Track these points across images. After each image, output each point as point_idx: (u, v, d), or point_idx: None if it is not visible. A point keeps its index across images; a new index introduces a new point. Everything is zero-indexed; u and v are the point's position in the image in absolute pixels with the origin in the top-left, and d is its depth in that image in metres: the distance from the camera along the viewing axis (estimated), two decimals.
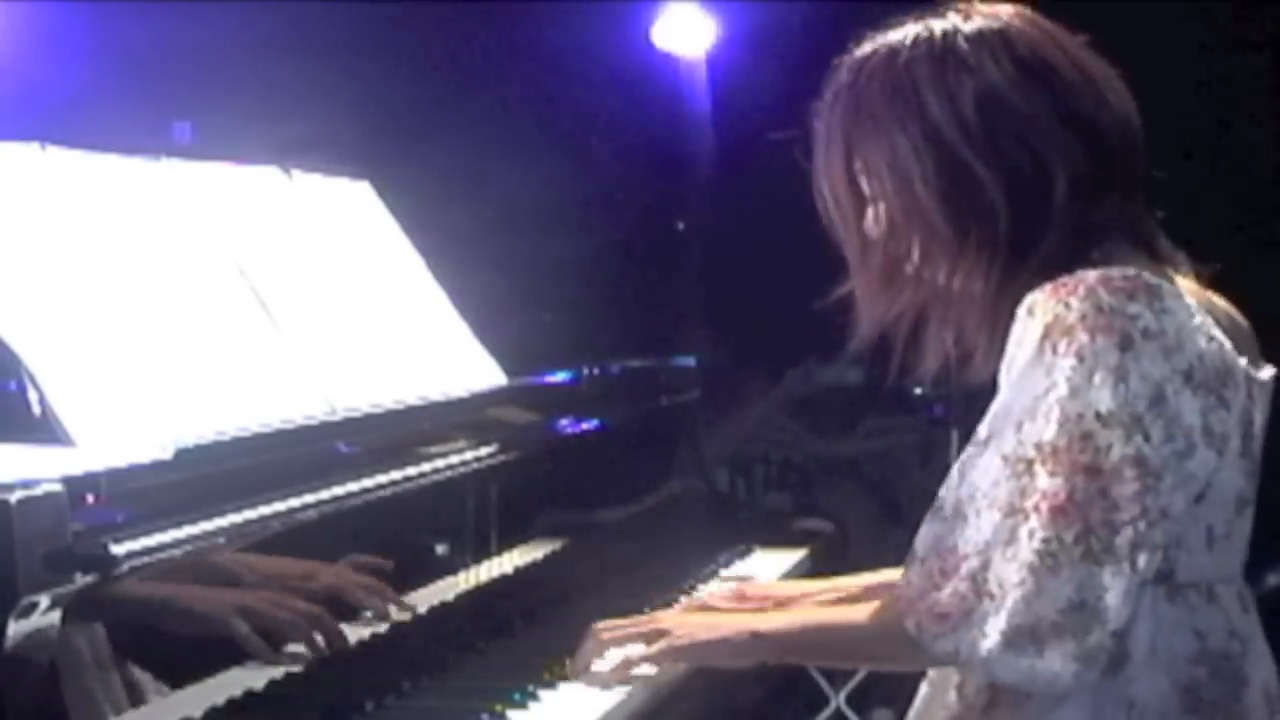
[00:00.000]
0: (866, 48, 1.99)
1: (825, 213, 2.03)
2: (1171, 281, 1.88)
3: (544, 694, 2.15)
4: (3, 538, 1.64)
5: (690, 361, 3.63)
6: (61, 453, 1.86)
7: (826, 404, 4.74)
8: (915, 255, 1.96)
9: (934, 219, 1.92)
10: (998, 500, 1.82)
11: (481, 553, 2.57)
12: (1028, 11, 1.97)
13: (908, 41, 1.94)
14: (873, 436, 4.70)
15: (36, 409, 1.92)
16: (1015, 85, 1.90)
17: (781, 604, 2.43)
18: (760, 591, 2.49)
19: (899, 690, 2.10)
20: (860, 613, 2.03)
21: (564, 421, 2.94)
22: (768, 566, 3.12)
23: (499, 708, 2.09)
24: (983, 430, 1.87)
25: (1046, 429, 1.80)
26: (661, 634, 2.13)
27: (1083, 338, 1.78)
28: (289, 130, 3.13)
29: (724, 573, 3.05)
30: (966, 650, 1.82)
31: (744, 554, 3.18)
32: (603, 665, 2.18)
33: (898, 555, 2.38)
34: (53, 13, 3.54)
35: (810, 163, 2.03)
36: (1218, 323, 1.88)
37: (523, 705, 2.12)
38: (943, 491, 1.89)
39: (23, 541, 1.66)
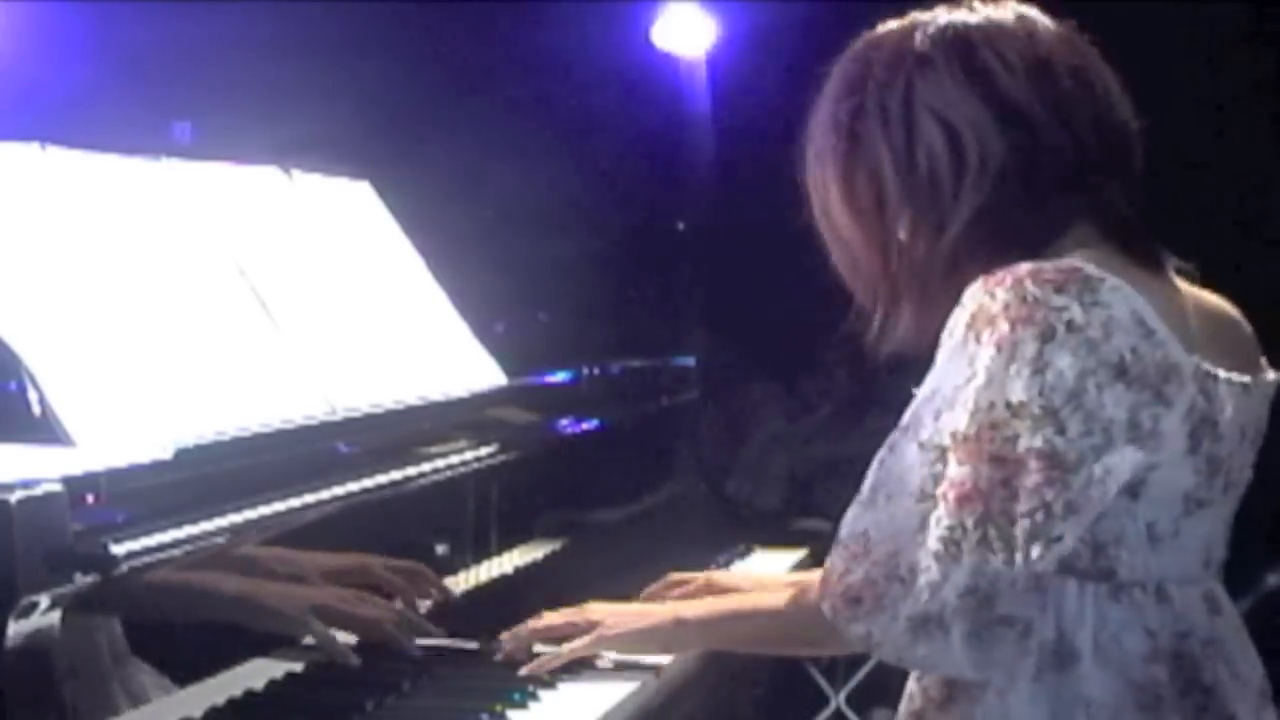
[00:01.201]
0: (863, 43, 1.98)
1: (821, 213, 2.02)
2: (1121, 276, 1.84)
3: (544, 694, 2.15)
4: (3, 538, 1.65)
5: (690, 361, 3.63)
6: (61, 453, 1.86)
7: (826, 404, 4.74)
8: (904, 241, 1.94)
9: (928, 216, 1.90)
10: (910, 487, 1.84)
11: (481, 553, 2.57)
12: (1026, 7, 1.97)
13: (913, 34, 1.93)
14: (873, 436, 4.69)
15: (36, 409, 1.92)
16: (1014, 77, 1.89)
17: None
18: (730, 580, 2.51)
19: (899, 690, 2.09)
20: (782, 597, 2.07)
21: (564, 421, 2.94)
22: (768, 566, 3.12)
23: (499, 708, 2.09)
24: (905, 417, 1.88)
25: (961, 418, 1.81)
26: (593, 624, 2.20)
27: (1004, 328, 1.78)
28: (289, 130, 3.13)
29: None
30: (878, 634, 1.84)
31: (744, 554, 3.18)
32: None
33: None
34: (53, 13, 3.54)
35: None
36: (1184, 320, 1.86)
37: (523, 705, 2.12)
38: (867, 476, 1.90)
39: (23, 541, 1.66)
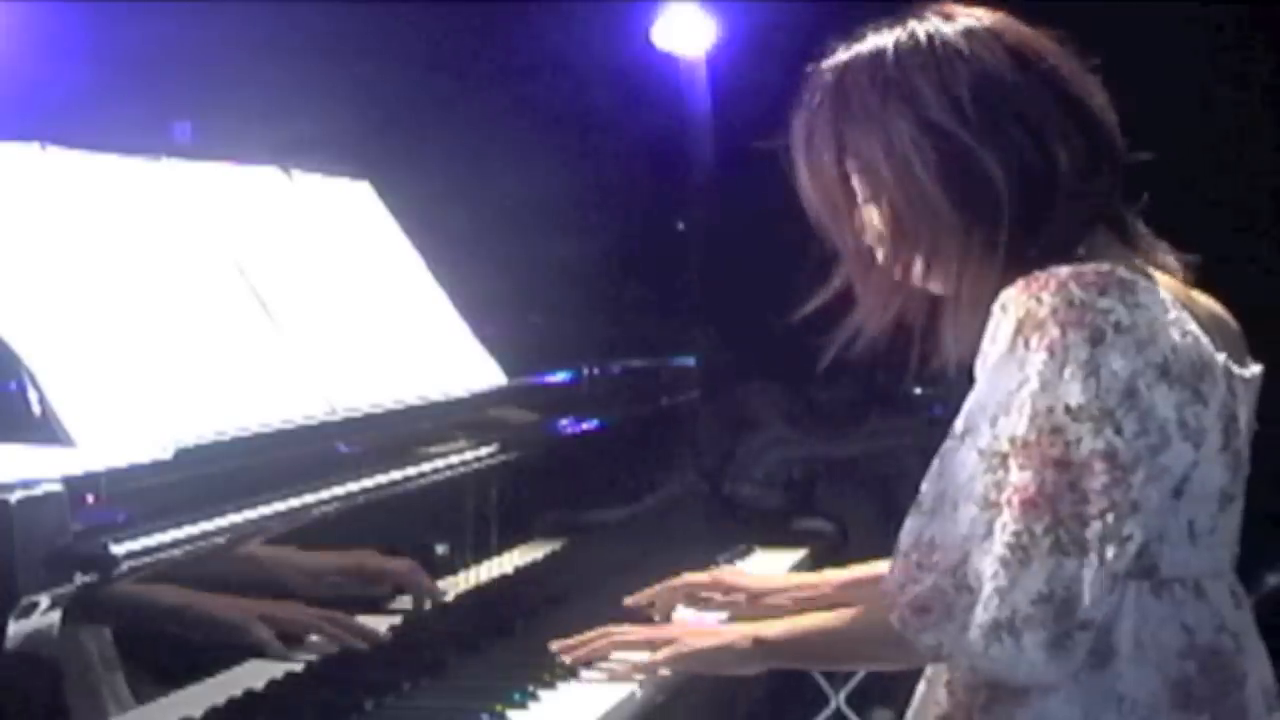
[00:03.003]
0: (845, 51, 1.99)
1: (816, 218, 2.03)
2: (1148, 276, 1.89)
3: (544, 694, 2.15)
4: (3, 538, 1.64)
5: (690, 361, 3.63)
6: (61, 453, 1.86)
7: (826, 404, 4.74)
8: (923, 250, 1.96)
9: (939, 205, 1.92)
10: (974, 494, 1.84)
11: (481, 553, 2.57)
12: (1005, 15, 1.98)
13: (895, 38, 1.95)
14: (873, 436, 4.70)
15: (36, 409, 1.92)
16: (1009, 69, 1.91)
17: (757, 596, 2.45)
18: (738, 580, 2.51)
19: (899, 690, 2.10)
20: (853, 613, 2.06)
21: (564, 421, 2.94)
22: (768, 566, 3.12)
23: (499, 708, 2.09)
24: (959, 424, 1.88)
25: (1019, 423, 1.81)
26: (668, 641, 2.20)
27: (1054, 332, 1.80)
28: (289, 130, 3.13)
29: None
30: (949, 643, 1.85)
31: (744, 554, 3.18)
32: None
33: None
34: (53, 13, 3.54)
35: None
36: (1196, 318, 1.89)
37: (523, 705, 2.12)
38: (924, 485, 1.91)
39: (23, 541, 1.66)
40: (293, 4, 3.83)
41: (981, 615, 1.81)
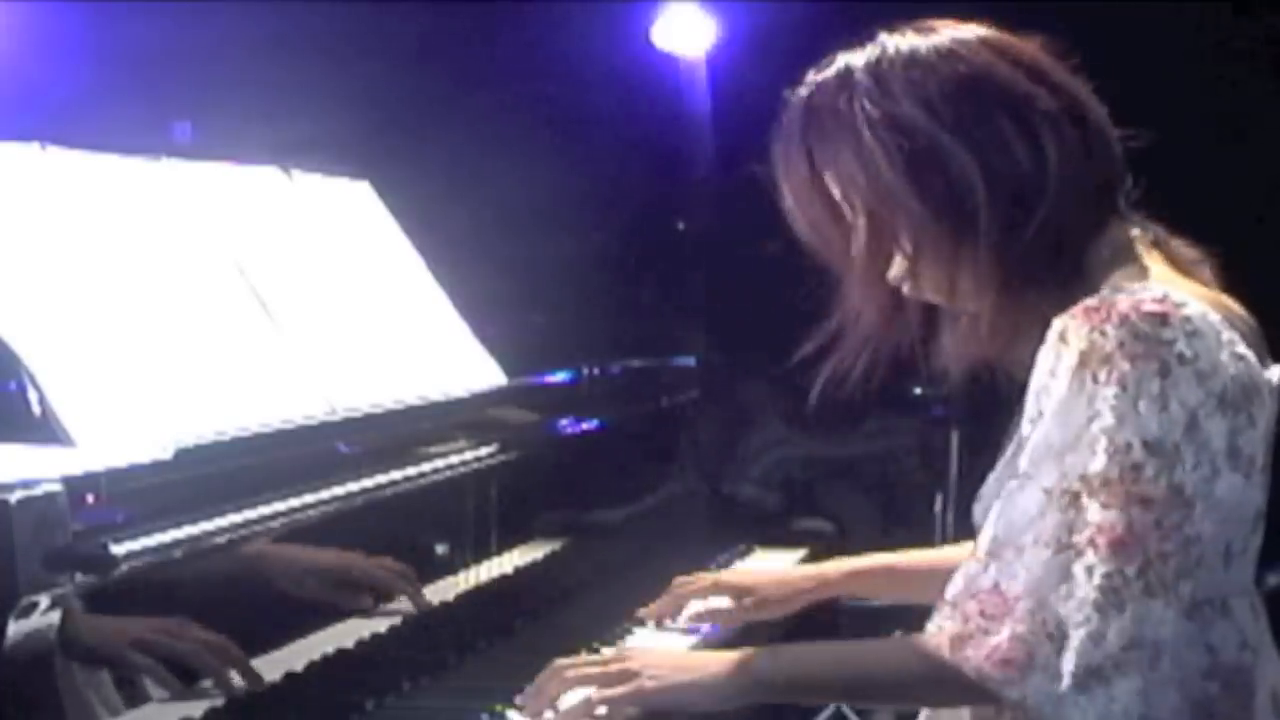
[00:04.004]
0: (815, 74, 1.98)
1: (808, 240, 2.01)
2: (1188, 286, 1.86)
3: None
4: (3, 538, 1.64)
5: (690, 361, 3.63)
6: (61, 453, 1.86)
7: (826, 404, 4.73)
8: (905, 251, 1.93)
9: (909, 201, 1.88)
10: (1043, 536, 1.78)
11: (481, 553, 2.57)
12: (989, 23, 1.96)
13: (865, 54, 1.94)
14: (873, 436, 4.70)
15: (36, 409, 1.92)
16: (994, 64, 1.89)
17: (761, 603, 2.44)
18: (738, 580, 2.49)
19: None
20: (891, 651, 1.94)
21: (564, 421, 2.94)
22: (767, 566, 3.12)
23: (499, 708, 2.09)
24: (1022, 464, 1.82)
25: (1093, 460, 1.76)
26: (629, 675, 1.98)
27: (1123, 365, 1.75)
28: (289, 130, 3.13)
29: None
30: (1035, 696, 1.77)
31: (744, 554, 3.18)
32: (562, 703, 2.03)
33: None
34: (53, 13, 3.54)
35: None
36: (1238, 331, 1.85)
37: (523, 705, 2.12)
38: (986, 530, 1.84)
39: (23, 541, 1.66)
40: (293, 4, 3.83)
41: (1072, 663, 1.75)
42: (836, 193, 1.96)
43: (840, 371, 2.03)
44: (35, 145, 2.21)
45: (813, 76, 1.98)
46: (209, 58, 3.76)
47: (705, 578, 2.57)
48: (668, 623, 2.53)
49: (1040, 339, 1.84)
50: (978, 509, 1.97)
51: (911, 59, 1.91)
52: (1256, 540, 1.87)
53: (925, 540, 3.51)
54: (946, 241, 1.90)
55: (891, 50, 1.92)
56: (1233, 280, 1.97)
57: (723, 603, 2.53)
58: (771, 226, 2.02)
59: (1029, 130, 1.87)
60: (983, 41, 1.92)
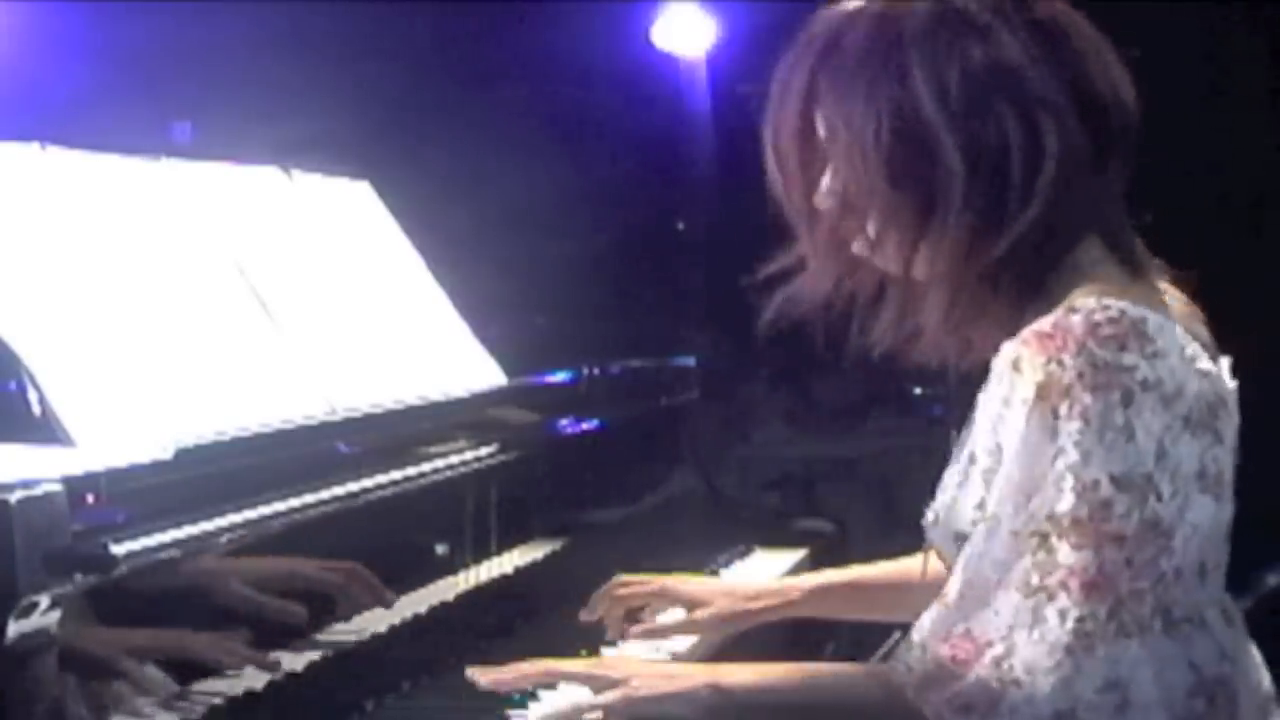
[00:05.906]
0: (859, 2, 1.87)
1: (772, 159, 1.94)
2: (1150, 300, 1.79)
3: (544, 694, 2.15)
4: (3, 538, 1.64)
5: (690, 361, 3.63)
6: (61, 453, 1.86)
7: (826, 404, 4.74)
8: (871, 230, 1.85)
9: (876, 182, 1.81)
10: (1012, 580, 1.73)
11: (481, 553, 2.57)
12: None
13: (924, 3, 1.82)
14: (873, 436, 4.70)
15: (36, 409, 1.92)
16: (1022, 51, 1.79)
17: (767, 607, 2.41)
18: (689, 591, 2.44)
19: None
20: (848, 672, 1.91)
21: (564, 421, 2.94)
22: (768, 566, 3.12)
23: (499, 708, 2.09)
24: (990, 505, 1.77)
25: (1060, 500, 1.70)
26: (614, 683, 1.94)
27: (1085, 399, 1.69)
28: (289, 130, 3.12)
29: (724, 573, 3.06)
30: None
31: (744, 554, 3.18)
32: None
33: (897, 555, 2.38)
34: (53, 13, 3.54)
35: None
36: (1194, 335, 1.80)
37: (522, 705, 2.12)
38: (955, 576, 1.79)
39: (23, 541, 1.66)
40: (293, 4, 3.83)
41: (1041, 709, 1.70)
42: (819, 128, 1.88)
43: (837, 358, 1.99)
44: (35, 145, 2.21)
45: (857, 3, 1.87)
46: (209, 58, 3.76)
47: (649, 583, 2.46)
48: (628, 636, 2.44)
49: (986, 337, 1.80)
50: (929, 515, 1.93)
51: (956, 28, 1.80)
52: (1227, 551, 1.83)
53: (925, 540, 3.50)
54: (915, 221, 1.82)
55: (944, 11, 1.81)
56: (1232, 280, 1.95)
57: (677, 614, 2.45)
58: (770, 226, 2.02)
59: (1035, 129, 1.78)
60: (1034, 17, 1.81)
